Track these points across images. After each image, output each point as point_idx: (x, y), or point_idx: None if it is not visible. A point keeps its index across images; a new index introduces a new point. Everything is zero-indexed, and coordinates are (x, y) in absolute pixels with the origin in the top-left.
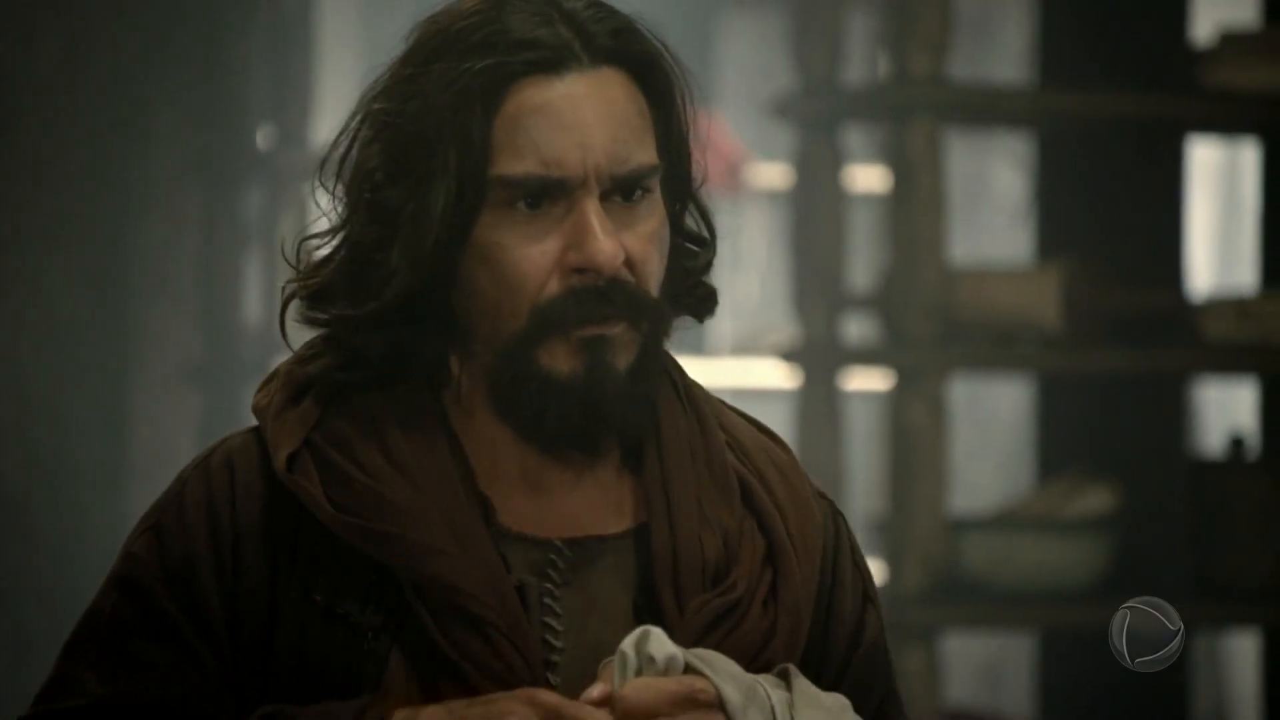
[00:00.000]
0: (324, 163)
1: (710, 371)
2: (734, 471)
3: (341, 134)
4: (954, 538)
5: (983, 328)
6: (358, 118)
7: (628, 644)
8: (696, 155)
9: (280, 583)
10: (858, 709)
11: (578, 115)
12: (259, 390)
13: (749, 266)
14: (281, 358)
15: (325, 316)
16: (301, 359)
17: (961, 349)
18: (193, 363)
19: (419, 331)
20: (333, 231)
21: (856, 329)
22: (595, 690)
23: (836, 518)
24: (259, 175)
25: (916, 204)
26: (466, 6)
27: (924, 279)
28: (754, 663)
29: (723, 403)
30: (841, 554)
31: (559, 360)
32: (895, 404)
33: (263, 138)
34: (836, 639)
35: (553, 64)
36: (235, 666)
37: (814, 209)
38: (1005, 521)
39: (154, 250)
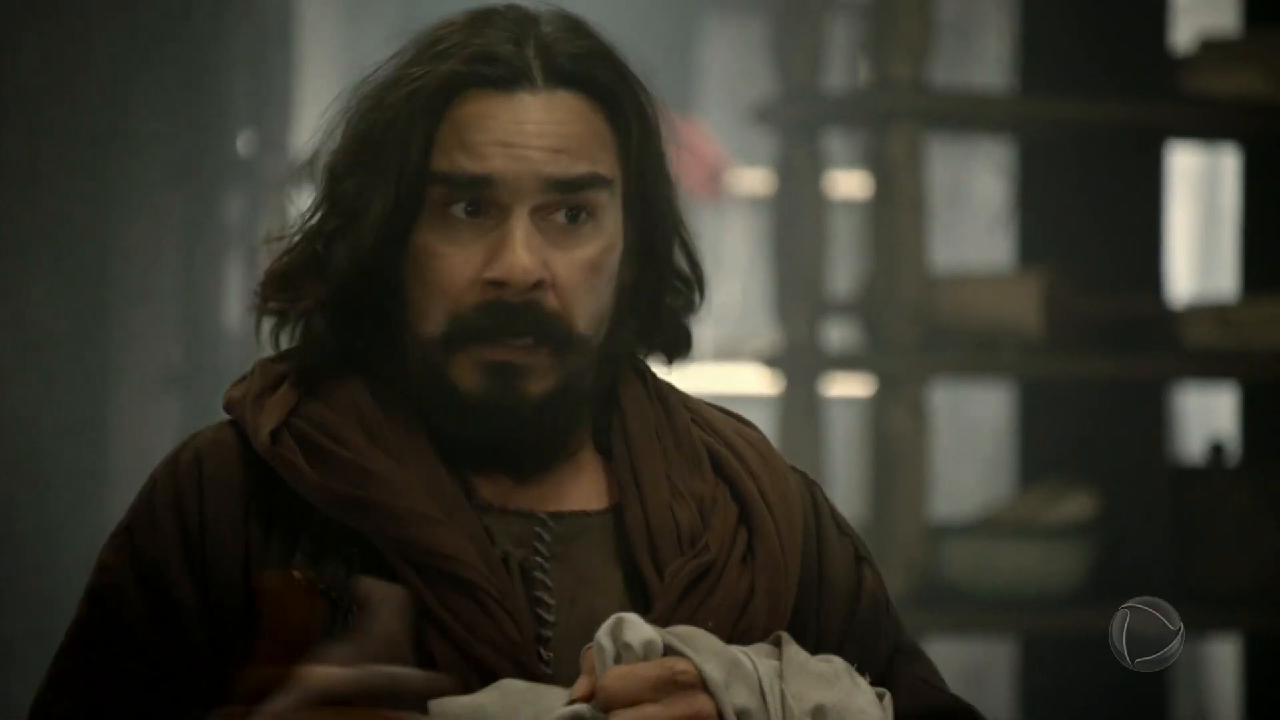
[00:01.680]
0: (312, 156)
1: (691, 377)
2: (702, 444)
3: (326, 126)
4: (935, 543)
5: (964, 333)
6: (338, 110)
7: (603, 633)
8: (680, 189)
9: (255, 566)
10: (864, 665)
11: (517, 128)
12: (232, 387)
13: (730, 272)
14: None
15: (277, 304)
16: (277, 358)
17: (942, 355)
18: (174, 369)
19: (364, 326)
20: (299, 222)
21: (838, 334)
22: (579, 686)
23: (812, 488)
24: (240, 181)
25: (897, 209)
26: (458, 18)
27: (905, 285)
28: (738, 623)
29: (693, 398)
30: (823, 521)
31: (466, 377)
32: (876, 409)
33: (244, 144)
34: (832, 602)
35: (505, 82)
36: (217, 654)
37: (795, 214)
38: (986, 527)
39: (135, 256)
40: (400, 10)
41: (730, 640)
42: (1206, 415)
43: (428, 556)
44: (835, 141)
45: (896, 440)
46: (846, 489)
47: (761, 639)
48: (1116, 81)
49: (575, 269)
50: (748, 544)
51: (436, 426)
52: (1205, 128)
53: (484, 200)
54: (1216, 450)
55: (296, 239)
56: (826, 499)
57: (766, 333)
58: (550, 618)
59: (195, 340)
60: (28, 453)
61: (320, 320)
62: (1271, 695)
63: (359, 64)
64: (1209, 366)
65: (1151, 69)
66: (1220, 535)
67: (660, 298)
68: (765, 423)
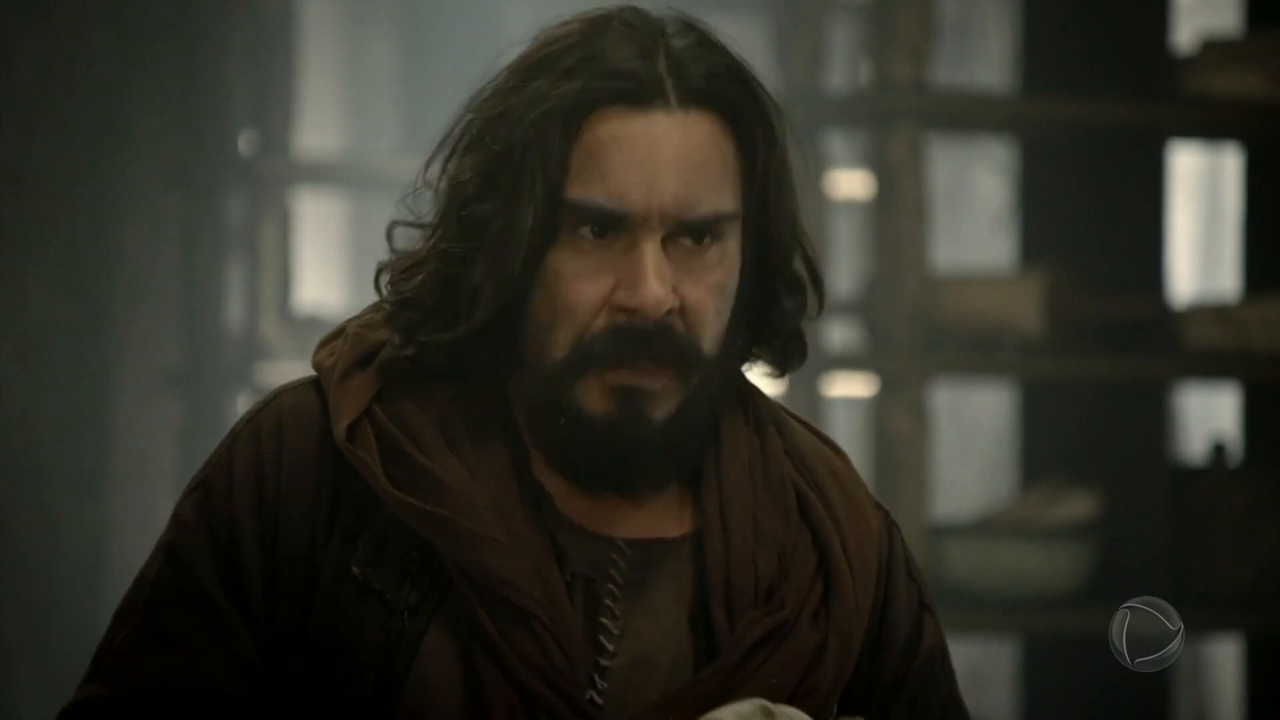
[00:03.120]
0: (429, 162)
1: None
2: (792, 484)
3: (449, 133)
4: (936, 544)
5: (965, 334)
6: (465, 120)
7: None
8: (799, 199)
9: (319, 551)
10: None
11: (652, 154)
12: (322, 347)
13: None
14: (263, 366)
15: (414, 329)
16: (369, 323)
17: (944, 355)
18: (173, 370)
19: (490, 346)
20: (423, 228)
21: (839, 335)
22: None
23: (891, 529)
24: (240, 182)
25: (899, 210)
26: (575, 24)
27: (906, 285)
28: (804, 680)
29: (786, 410)
30: (895, 565)
31: (593, 399)
32: (878, 410)
33: (244, 144)
34: (889, 653)
35: (638, 97)
36: (272, 637)
37: None
38: (987, 527)
39: (135, 257)
40: (401, 10)
41: (792, 699)
42: (1208, 415)
43: (487, 578)
44: (836, 142)
45: (897, 440)
46: None
47: (826, 696)
48: (1118, 82)
49: (703, 293)
50: (823, 598)
51: (547, 446)
52: (1207, 128)
53: (614, 225)
54: (1218, 450)
55: (426, 258)
56: (903, 542)
57: None
58: (611, 647)
59: (195, 341)
60: (27, 453)
61: (445, 348)
62: (1272, 696)
63: (360, 63)
64: (1210, 367)
65: (1153, 69)
66: (1221, 535)
67: (775, 308)
68: None
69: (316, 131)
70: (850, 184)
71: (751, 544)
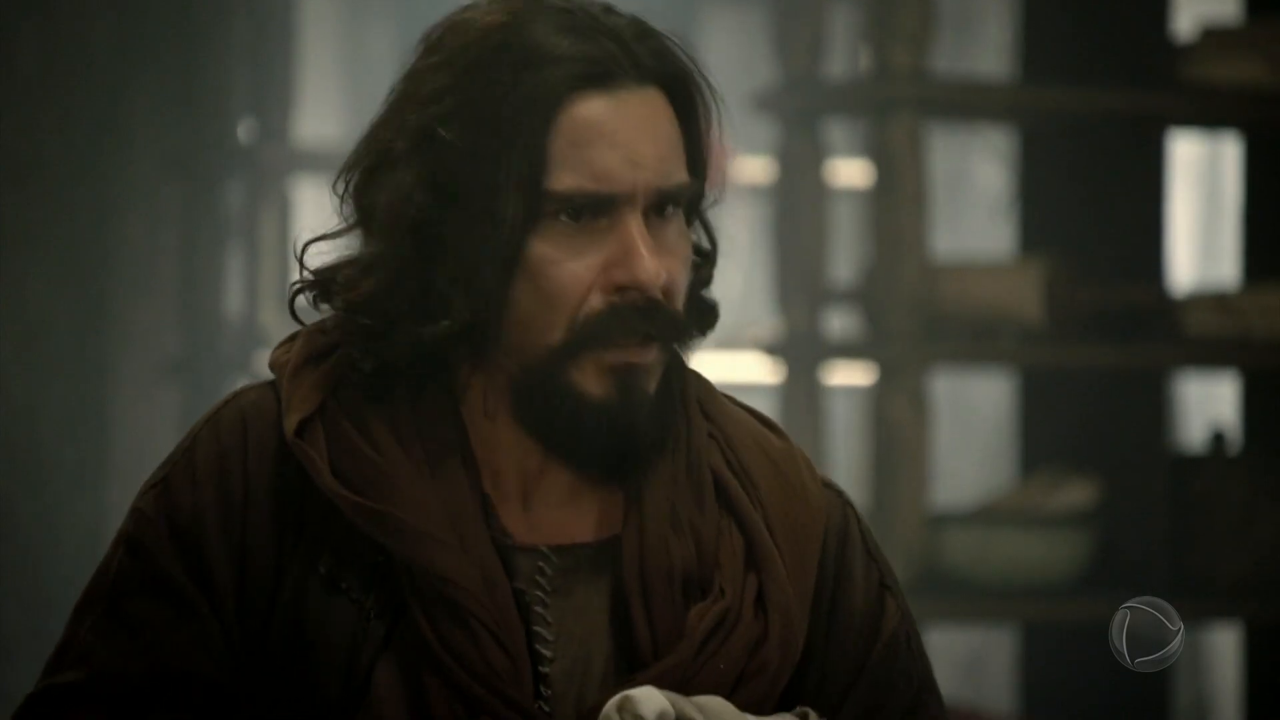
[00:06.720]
0: (346, 168)
1: (692, 365)
2: (710, 470)
3: (370, 139)
4: (935, 532)
5: (964, 322)
6: (391, 126)
7: (610, 709)
8: (712, 173)
9: (286, 547)
10: (885, 706)
11: (629, 132)
12: (278, 347)
13: (731, 260)
14: (262, 354)
15: (374, 335)
16: (321, 327)
17: (943, 343)
18: (173, 359)
19: (457, 344)
20: (346, 233)
21: (838, 323)
22: None
23: (846, 508)
24: (240, 170)
25: (898, 198)
26: (497, 18)
27: (906, 273)
28: (749, 664)
29: (723, 394)
30: (850, 545)
31: (590, 381)
32: (877, 398)
33: (243, 132)
34: (845, 634)
35: (603, 78)
36: (238, 629)
37: (796, 203)
38: (986, 516)
39: (134, 246)
40: None
41: (741, 680)
42: (1207, 404)
43: (429, 575)
44: (836, 130)
45: (897, 428)
46: (847, 478)
47: (774, 681)
48: (1117, 70)
49: (677, 266)
50: (758, 586)
51: (545, 433)
52: (1206, 116)
53: (593, 208)
54: (1217, 439)
55: (370, 264)
56: (859, 520)
57: (767, 321)
58: (549, 653)
59: (194, 330)
60: (27, 444)
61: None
62: (1272, 684)
63: (359, 50)
64: (1210, 355)
65: (1152, 57)
66: (1221, 524)
67: (697, 279)
68: (766, 411)
69: (316, 119)
70: (850, 172)
71: (666, 532)
